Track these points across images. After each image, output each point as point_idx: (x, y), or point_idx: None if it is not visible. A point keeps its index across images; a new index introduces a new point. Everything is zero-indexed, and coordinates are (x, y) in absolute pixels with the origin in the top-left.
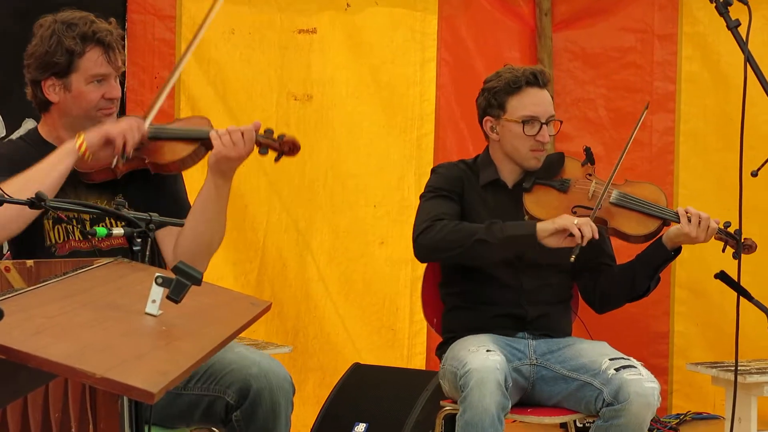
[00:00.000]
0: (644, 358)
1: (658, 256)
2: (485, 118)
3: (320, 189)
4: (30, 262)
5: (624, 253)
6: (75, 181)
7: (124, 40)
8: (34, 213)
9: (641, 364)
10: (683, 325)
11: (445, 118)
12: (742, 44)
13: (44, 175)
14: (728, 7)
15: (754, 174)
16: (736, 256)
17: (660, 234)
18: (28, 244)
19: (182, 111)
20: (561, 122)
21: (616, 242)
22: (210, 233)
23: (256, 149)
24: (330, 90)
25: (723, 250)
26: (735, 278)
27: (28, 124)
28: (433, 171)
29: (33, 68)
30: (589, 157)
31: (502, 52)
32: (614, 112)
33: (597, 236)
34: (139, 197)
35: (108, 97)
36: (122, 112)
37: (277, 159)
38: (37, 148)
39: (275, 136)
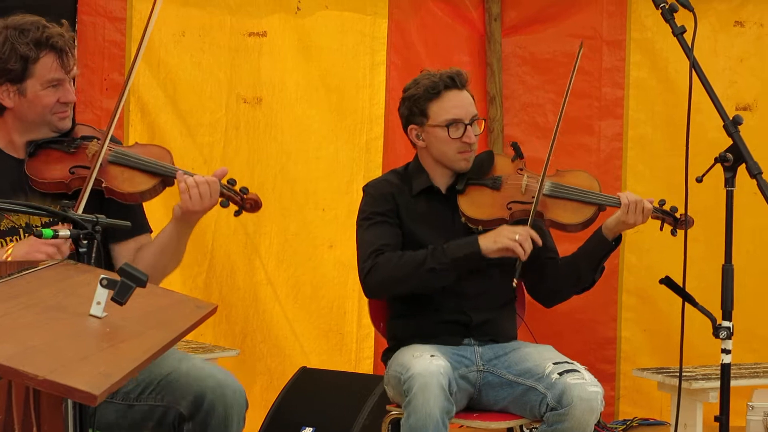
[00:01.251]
0: (591, 364)
1: (600, 248)
2: (409, 127)
3: (269, 192)
4: None
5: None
6: (28, 188)
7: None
8: None
9: (585, 369)
10: (630, 330)
11: (395, 121)
12: (688, 50)
13: None
14: (674, 14)
15: (699, 180)
16: (674, 233)
17: (595, 220)
18: None
19: (131, 113)
20: (485, 120)
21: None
22: (166, 267)
23: (219, 200)
24: (279, 93)
25: (661, 228)
26: (680, 282)
27: None
28: (364, 191)
29: None
30: (518, 152)
31: (451, 56)
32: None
33: (540, 242)
34: (94, 209)
35: (63, 101)
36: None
37: (237, 213)
38: None
39: (237, 188)
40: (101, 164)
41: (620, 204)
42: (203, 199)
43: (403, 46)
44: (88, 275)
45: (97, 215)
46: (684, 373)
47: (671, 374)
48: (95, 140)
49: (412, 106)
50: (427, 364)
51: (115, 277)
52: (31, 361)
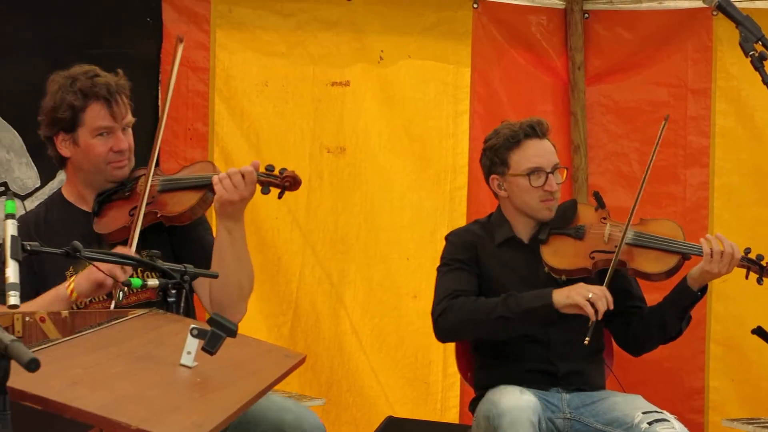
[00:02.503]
0: (680, 414)
1: (686, 298)
2: (491, 177)
3: (353, 242)
4: (65, 313)
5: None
6: (99, 242)
7: (156, 95)
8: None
9: (675, 418)
10: (719, 380)
11: (478, 170)
12: None
13: None
14: (763, 61)
15: None
16: (761, 281)
17: (680, 269)
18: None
19: (215, 162)
20: (567, 169)
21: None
22: (236, 277)
23: (258, 189)
24: (363, 142)
25: (746, 277)
26: None
27: (62, 176)
28: (446, 239)
29: (44, 125)
30: (600, 202)
31: (535, 105)
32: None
33: (612, 306)
34: (163, 249)
35: (116, 150)
36: (156, 164)
37: (280, 195)
38: (59, 210)
39: (276, 171)
40: (153, 197)
41: (702, 253)
42: (237, 188)
43: (486, 96)
44: (178, 325)
45: (186, 265)
46: None
47: (762, 425)
48: (143, 177)
49: (493, 156)
50: (516, 400)
51: (205, 326)
52: (124, 411)
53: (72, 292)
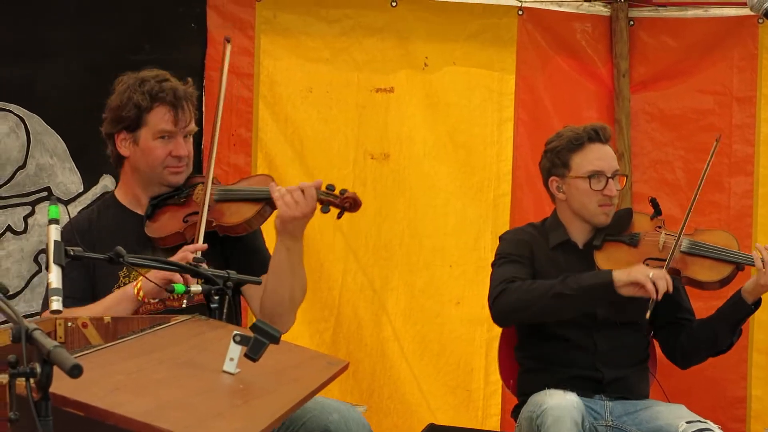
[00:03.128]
0: (722, 423)
1: (739, 311)
2: (551, 179)
3: (396, 248)
4: (107, 318)
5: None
6: (151, 246)
7: (199, 101)
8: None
9: (719, 428)
10: (761, 389)
11: (522, 178)
12: None
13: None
14: None
15: None
16: None
17: (733, 278)
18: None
19: (259, 169)
20: (626, 176)
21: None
22: (290, 291)
23: (318, 207)
24: (407, 149)
25: None
26: None
27: (106, 181)
28: (501, 238)
29: (107, 122)
30: (657, 210)
31: (580, 113)
32: (692, 174)
33: (671, 289)
34: (215, 256)
35: (175, 155)
36: (197, 170)
37: (339, 216)
38: (113, 213)
39: (336, 192)
40: (210, 206)
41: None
42: (299, 204)
43: (531, 102)
44: (220, 331)
45: (229, 271)
46: None
47: None
48: (200, 185)
49: (554, 158)
50: (560, 399)
51: (248, 333)
52: (167, 417)
53: (139, 291)
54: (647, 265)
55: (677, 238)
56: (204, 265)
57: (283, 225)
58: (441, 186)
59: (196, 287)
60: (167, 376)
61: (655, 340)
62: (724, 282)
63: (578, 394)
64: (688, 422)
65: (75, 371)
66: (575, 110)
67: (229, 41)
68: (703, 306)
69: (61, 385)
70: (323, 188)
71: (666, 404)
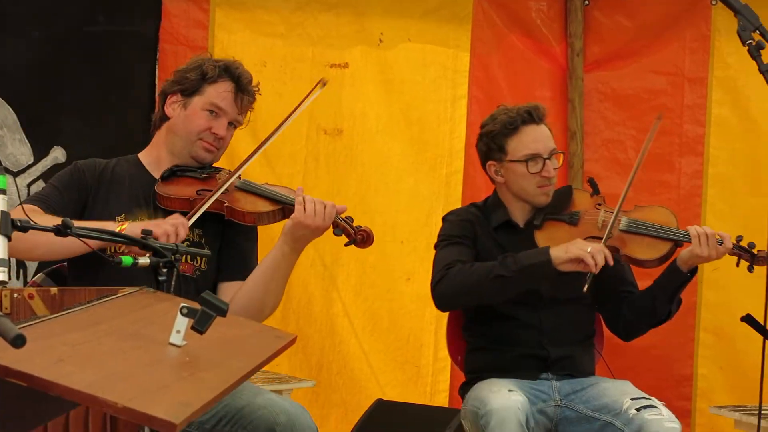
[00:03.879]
0: (668, 400)
1: (675, 280)
2: (488, 163)
3: None
4: (54, 290)
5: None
6: (153, 206)
7: (153, 73)
8: (66, 247)
9: (663, 404)
10: (707, 368)
11: (475, 155)
12: None
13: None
14: (761, 51)
15: None
16: (751, 269)
17: (674, 255)
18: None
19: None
20: (564, 153)
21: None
22: (263, 299)
23: (331, 229)
24: (360, 125)
25: (737, 264)
26: (761, 321)
27: (57, 153)
28: (444, 219)
29: (169, 81)
30: (595, 188)
31: (533, 91)
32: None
33: (612, 262)
34: (213, 235)
35: (214, 131)
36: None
37: (347, 244)
38: (130, 167)
39: (354, 224)
40: (227, 189)
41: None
42: (316, 216)
43: (485, 80)
44: (167, 303)
45: (177, 244)
46: (763, 412)
47: (749, 412)
48: (226, 171)
49: (490, 142)
50: (505, 400)
51: (195, 305)
52: (111, 389)
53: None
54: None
55: (614, 216)
56: (152, 238)
57: (293, 228)
58: (394, 162)
59: (144, 259)
60: (113, 348)
61: (597, 316)
62: (663, 259)
63: (524, 375)
64: (632, 399)
65: (18, 341)
66: (529, 89)
67: (323, 85)
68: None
69: (4, 355)
70: (344, 215)
71: (612, 381)
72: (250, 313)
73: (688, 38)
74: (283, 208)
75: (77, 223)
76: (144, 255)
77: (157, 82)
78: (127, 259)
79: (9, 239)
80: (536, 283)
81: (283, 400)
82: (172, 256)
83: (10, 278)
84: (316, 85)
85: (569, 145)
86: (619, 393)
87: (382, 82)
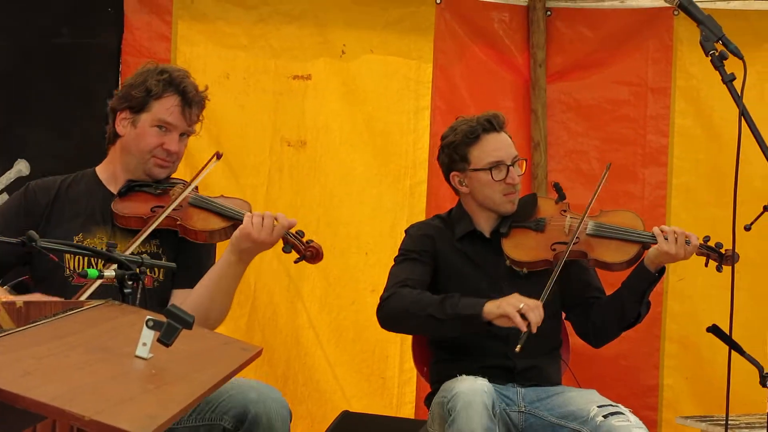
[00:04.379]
0: (634, 410)
1: (643, 280)
2: (451, 174)
3: (312, 235)
4: (20, 303)
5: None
6: (111, 224)
7: (116, 85)
8: None
9: (630, 411)
10: (672, 378)
11: (438, 166)
12: (737, 98)
13: None
14: (723, 61)
15: (748, 228)
16: (720, 269)
17: (640, 258)
18: (48, 271)
19: None
20: (526, 160)
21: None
22: (209, 308)
23: (280, 244)
24: (324, 136)
25: (706, 264)
26: (726, 330)
27: (20, 165)
28: (406, 232)
29: (116, 97)
30: (560, 193)
31: (496, 102)
32: (606, 164)
33: (540, 322)
34: (170, 245)
35: (166, 148)
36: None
37: (297, 260)
38: (87, 184)
39: (304, 239)
40: (181, 206)
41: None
42: (263, 229)
43: (448, 91)
44: (133, 316)
45: (142, 256)
46: (729, 422)
47: (715, 422)
48: (181, 185)
49: (452, 153)
50: (471, 383)
51: (161, 318)
52: (77, 402)
53: None
54: (553, 250)
55: (579, 222)
56: (117, 250)
57: (238, 240)
58: (357, 174)
59: (109, 272)
60: (79, 361)
61: (568, 322)
62: (631, 262)
63: (490, 381)
64: (599, 406)
65: None
66: (492, 99)
67: (219, 157)
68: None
69: None
70: (293, 230)
71: (578, 390)
72: (199, 321)
73: (650, 48)
74: (235, 224)
75: None
76: (110, 268)
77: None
78: (92, 272)
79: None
80: (469, 332)
81: (251, 381)
82: (137, 269)
83: None
84: (212, 158)
85: (533, 156)
86: (585, 401)
87: (345, 94)
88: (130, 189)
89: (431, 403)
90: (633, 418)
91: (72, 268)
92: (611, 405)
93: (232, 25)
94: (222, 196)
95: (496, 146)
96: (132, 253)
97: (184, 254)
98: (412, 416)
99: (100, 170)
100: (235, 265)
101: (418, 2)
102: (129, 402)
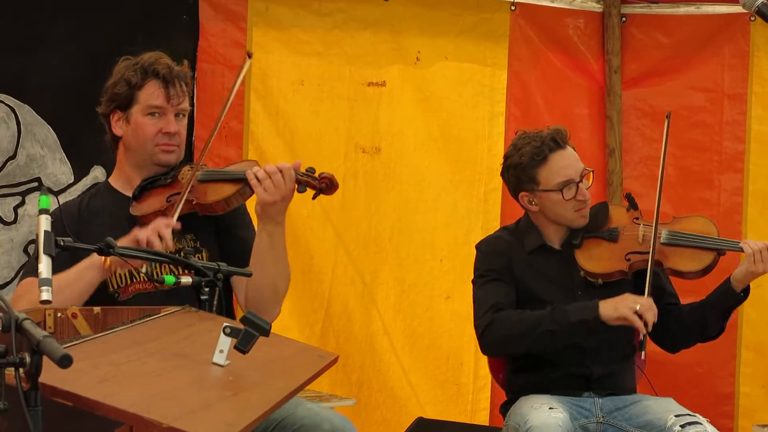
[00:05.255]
0: (710, 418)
1: (728, 300)
2: (520, 194)
3: (386, 242)
4: (97, 309)
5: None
6: (137, 226)
7: (193, 80)
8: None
9: (707, 421)
10: (749, 386)
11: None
12: None
13: (67, 286)
14: None
15: None
16: None
17: (715, 266)
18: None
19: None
20: (593, 171)
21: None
22: (273, 279)
23: (295, 187)
24: (398, 143)
25: None
26: None
27: (96, 172)
28: (477, 249)
29: (103, 102)
30: (632, 203)
31: (571, 108)
32: (682, 170)
33: (655, 319)
34: (207, 235)
35: (165, 131)
36: (189, 159)
37: (314, 196)
38: (104, 197)
39: (316, 174)
40: (193, 186)
41: (741, 250)
42: (278, 188)
43: (522, 98)
44: (210, 323)
45: (219, 263)
46: None
47: None
48: (188, 166)
49: (520, 175)
50: (545, 417)
51: (238, 325)
52: (155, 408)
53: (105, 260)
54: (628, 260)
55: (654, 231)
56: (195, 257)
57: (264, 210)
58: (432, 180)
59: (186, 278)
60: (157, 368)
61: None
62: (706, 270)
63: (566, 393)
64: (676, 416)
65: (65, 361)
66: (566, 106)
67: (250, 56)
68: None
69: (50, 375)
70: (302, 169)
71: (655, 398)
72: (267, 297)
73: (726, 54)
74: (246, 182)
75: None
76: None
77: (195, 102)
78: (169, 279)
79: (53, 258)
80: (584, 336)
81: (324, 410)
82: (214, 275)
83: None
84: (244, 61)
85: (608, 162)
86: (662, 410)
87: (420, 100)
88: (143, 189)
89: (506, 417)
90: (710, 428)
91: (115, 285)
92: (689, 414)
93: (306, 32)
94: (231, 164)
95: (564, 164)
96: (171, 252)
97: (226, 239)
98: (486, 423)
99: (114, 179)
100: (274, 230)
101: (493, 9)
102: (206, 409)
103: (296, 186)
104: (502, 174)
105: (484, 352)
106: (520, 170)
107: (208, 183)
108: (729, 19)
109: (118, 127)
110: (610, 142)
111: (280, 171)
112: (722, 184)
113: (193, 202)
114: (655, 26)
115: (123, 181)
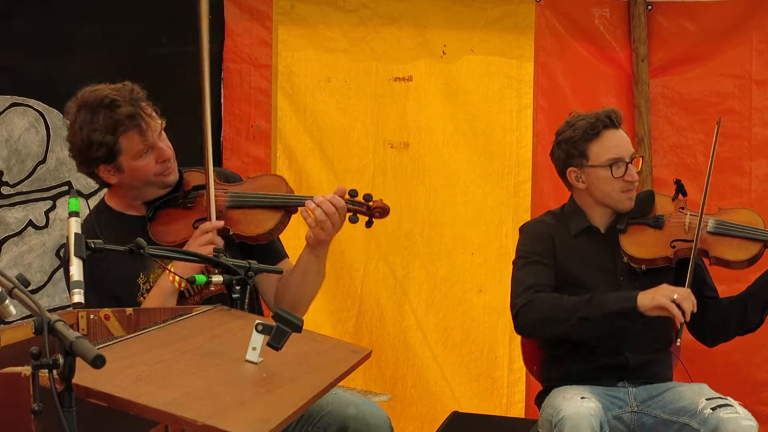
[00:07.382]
0: (746, 406)
1: None
2: (568, 170)
3: (417, 237)
4: (129, 310)
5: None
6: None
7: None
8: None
9: (739, 404)
10: None
11: (542, 164)
12: None
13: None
14: None
15: None
16: None
17: (761, 257)
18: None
19: (279, 159)
20: (642, 158)
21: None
22: (313, 290)
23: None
24: (426, 137)
25: None
26: None
27: None
28: (521, 230)
29: (80, 163)
30: (680, 190)
31: (598, 98)
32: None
33: (695, 309)
34: (233, 244)
35: (161, 161)
36: (218, 162)
37: (368, 224)
38: (107, 220)
39: (360, 198)
40: (221, 212)
41: None
42: (335, 227)
43: (550, 89)
44: (242, 321)
45: (250, 261)
46: None
47: None
48: (202, 189)
49: (571, 149)
50: (578, 407)
51: (270, 322)
52: (190, 407)
53: (174, 279)
54: (673, 248)
55: (699, 218)
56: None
57: (318, 242)
58: (461, 174)
59: (217, 277)
60: (190, 366)
61: None
62: (753, 260)
63: (601, 383)
64: (708, 399)
65: (98, 362)
66: (594, 96)
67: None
68: (727, 289)
69: (84, 376)
70: (346, 196)
71: (689, 384)
72: (303, 304)
73: (754, 40)
74: (287, 210)
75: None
76: (217, 273)
77: (222, 101)
78: (200, 278)
79: (84, 261)
80: (620, 324)
81: (350, 394)
82: (245, 273)
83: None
84: None
85: (637, 151)
86: (695, 395)
87: (447, 94)
88: (157, 209)
89: (541, 408)
90: (741, 410)
91: (187, 295)
92: (720, 398)
93: (332, 28)
94: (247, 178)
95: (616, 143)
96: None
97: (253, 250)
98: (522, 416)
99: (112, 202)
100: (323, 252)
101: (518, 0)
102: (241, 406)
103: (349, 214)
104: (552, 152)
105: (518, 331)
106: (572, 144)
107: (240, 209)
108: (755, 4)
109: (110, 177)
110: (638, 131)
111: (336, 208)
112: (753, 170)
113: (230, 232)
114: (681, 13)
115: (124, 204)
